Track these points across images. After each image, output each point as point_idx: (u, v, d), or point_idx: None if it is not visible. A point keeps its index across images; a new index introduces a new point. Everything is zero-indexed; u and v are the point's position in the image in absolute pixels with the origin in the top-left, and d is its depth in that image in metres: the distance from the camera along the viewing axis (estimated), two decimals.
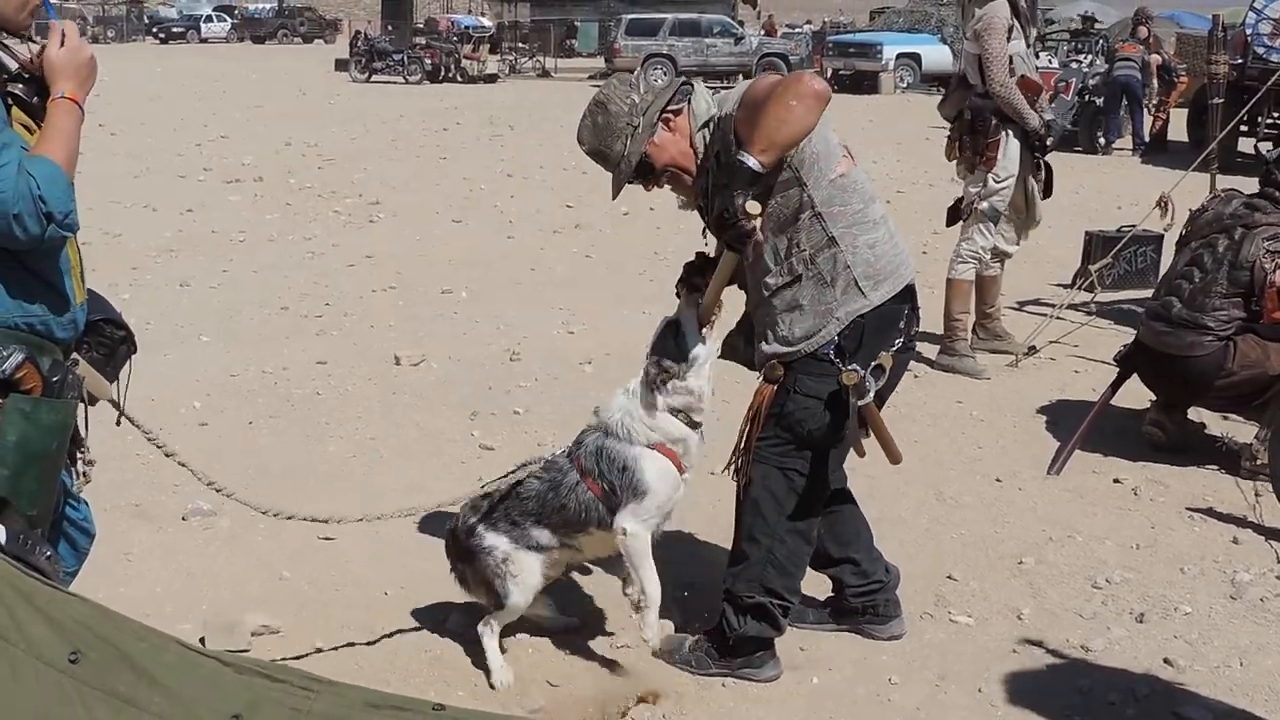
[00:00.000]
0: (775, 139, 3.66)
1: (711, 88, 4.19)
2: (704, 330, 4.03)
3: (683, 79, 4.13)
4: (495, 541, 4.12)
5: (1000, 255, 8.03)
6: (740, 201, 3.66)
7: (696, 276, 4.14)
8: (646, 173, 4.04)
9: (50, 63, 3.04)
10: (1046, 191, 7.84)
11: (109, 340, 3.39)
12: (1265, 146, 15.44)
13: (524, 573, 4.11)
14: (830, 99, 3.73)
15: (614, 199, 4.20)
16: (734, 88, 4.04)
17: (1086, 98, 20.22)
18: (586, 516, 4.06)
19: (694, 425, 4.07)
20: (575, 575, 4.71)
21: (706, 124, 3.98)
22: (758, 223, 3.71)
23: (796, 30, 52.08)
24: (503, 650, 4.22)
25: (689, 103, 4.01)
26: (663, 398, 4.00)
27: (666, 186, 4.14)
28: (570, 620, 4.48)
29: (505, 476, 4.21)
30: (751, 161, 3.65)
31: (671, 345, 4.01)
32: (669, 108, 4.00)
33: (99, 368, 3.34)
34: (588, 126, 4.04)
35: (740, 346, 4.24)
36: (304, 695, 2.05)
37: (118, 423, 3.54)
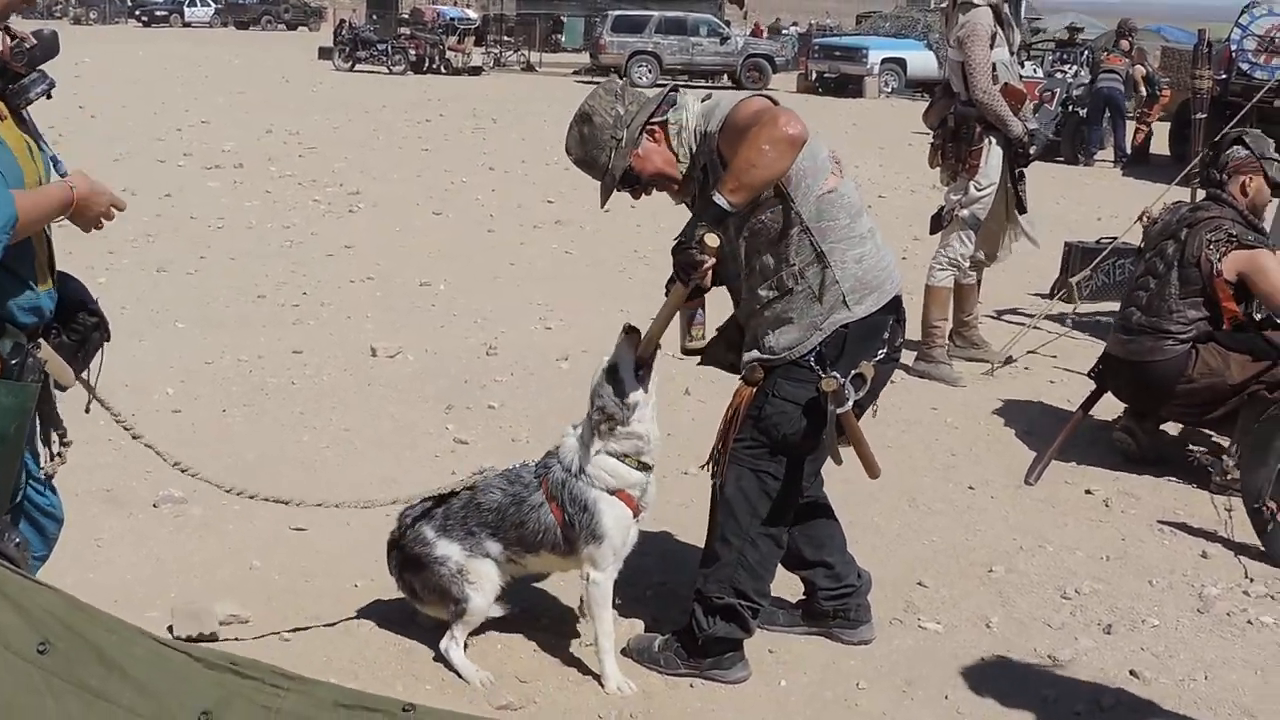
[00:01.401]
0: (745, 181, 3.69)
1: (696, 87, 4.19)
2: (642, 372, 4.06)
3: (670, 87, 4.13)
4: (448, 551, 4.14)
5: (978, 264, 8.06)
6: (700, 233, 3.70)
7: None
8: (633, 182, 4.04)
9: (81, 178, 3.26)
10: (1020, 206, 7.84)
11: (81, 327, 3.37)
12: None
13: (482, 579, 4.14)
14: (806, 141, 3.73)
15: (602, 207, 4.21)
16: (721, 98, 4.03)
17: (1070, 108, 20.29)
18: (543, 538, 4.10)
19: (645, 468, 4.10)
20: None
21: (693, 134, 3.97)
22: (711, 260, 3.75)
23: (783, 32, 52.12)
24: (466, 647, 4.21)
25: (674, 113, 4.01)
26: (610, 444, 4.04)
27: (655, 192, 4.14)
28: (509, 608, 4.45)
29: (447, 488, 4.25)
30: (722, 201, 3.70)
31: (610, 390, 4.03)
32: (653, 119, 3.99)
33: (70, 354, 3.32)
34: (574, 138, 4.04)
35: (722, 352, 4.25)
36: (274, 692, 2.04)
37: (87, 409, 3.53)
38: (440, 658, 4.19)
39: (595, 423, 4.03)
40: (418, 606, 4.31)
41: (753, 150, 3.67)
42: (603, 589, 4.10)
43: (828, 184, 3.89)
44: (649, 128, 3.98)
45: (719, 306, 4.22)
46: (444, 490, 4.23)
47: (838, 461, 4.04)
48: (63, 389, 3.36)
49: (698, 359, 4.26)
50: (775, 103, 3.87)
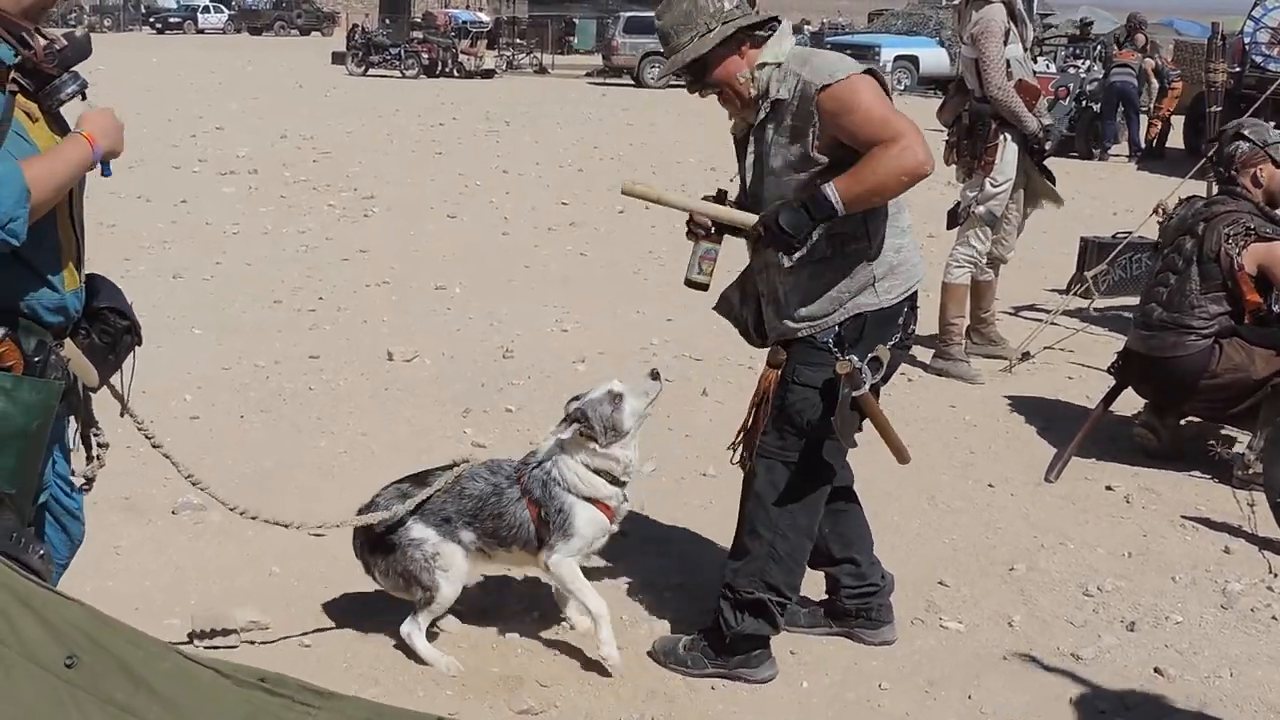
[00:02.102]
0: (866, 202, 3.74)
1: None
2: (641, 406, 4.12)
3: (775, 15, 4.05)
4: (423, 534, 4.17)
5: (996, 260, 8.04)
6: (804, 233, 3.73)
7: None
8: (699, 74, 3.94)
9: (83, 118, 3.17)
10: (1049, 177, 7.86)
11: (112, 329, 3.37)
12: None
13: (453, 566, 4.18)
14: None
15: (656, 81, 4.16)
16: (819, 50, 4.00)
17: (1084, 103, 20.24)
18: (516, 533, 4.16)
19: (618, 483, 4.15)
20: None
21: (777, 69, 3.87)
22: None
23: (802, 31, 52.01)
24: (436, 632, 4.25)
25: (773, 38, 3.92)
26: (583, 457, 4.10)
27: (712, 97, 4.03)
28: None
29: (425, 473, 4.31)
30: (836, 203, 3.69)
31: (606, 411, 4.08)
32: (754, 31, 3.90)
33: (100, 355, 3.32)
34: (671, 8, 3.93)
35: (736, 305, 4.26)
36: (304, 710, 2.02)
37: (122, 414, 3.53)
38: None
39: (574, 432, 4.10)
40: (379, 584, 4.33)
41: (890, 179, 3.67)
42: (566, 567, 4.14)
43: None
44: (744, 35, 3.89)
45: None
46: (430, 486, 4.24)
47: (852, 445, 4.02)
48: (92, 390, 3.37)
49: (700, 291, 4.16)
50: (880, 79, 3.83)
